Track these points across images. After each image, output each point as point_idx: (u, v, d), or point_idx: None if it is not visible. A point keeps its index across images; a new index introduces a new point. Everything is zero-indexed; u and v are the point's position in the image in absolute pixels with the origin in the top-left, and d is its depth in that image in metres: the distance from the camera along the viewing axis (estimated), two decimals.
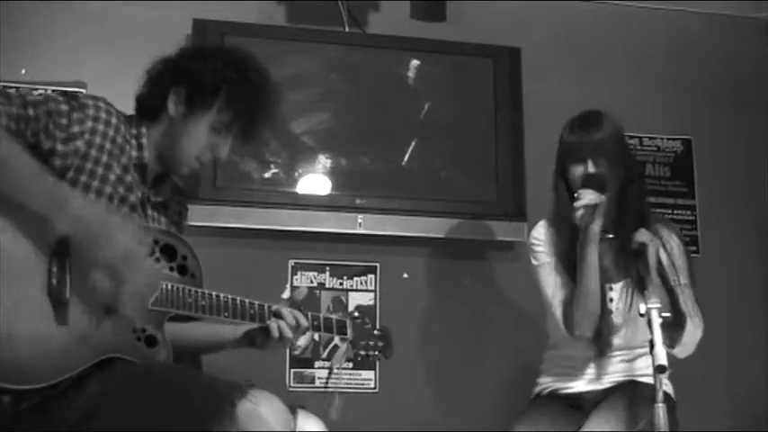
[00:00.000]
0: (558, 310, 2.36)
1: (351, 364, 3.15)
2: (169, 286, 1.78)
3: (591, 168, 2.31)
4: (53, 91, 1.81)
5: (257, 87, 1.92)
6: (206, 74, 1.88)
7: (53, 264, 1.65)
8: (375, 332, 2.11)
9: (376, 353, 2.09)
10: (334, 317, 2.05)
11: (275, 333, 1.90)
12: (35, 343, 1.61)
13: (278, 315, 1.91)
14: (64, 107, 1.74)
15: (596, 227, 2.27)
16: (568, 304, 2.34)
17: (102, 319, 1.69)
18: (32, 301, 1.62)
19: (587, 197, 2.25)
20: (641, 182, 2.48)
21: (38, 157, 1.68)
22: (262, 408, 1.62)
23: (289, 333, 1.91)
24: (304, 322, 1.94)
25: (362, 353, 2.08)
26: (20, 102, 1.70)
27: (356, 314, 2.12)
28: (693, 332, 2.31)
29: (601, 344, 2.34)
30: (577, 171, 2.34)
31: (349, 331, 2.05)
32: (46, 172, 1.66)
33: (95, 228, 1.64)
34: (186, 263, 1.83)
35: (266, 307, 1.92)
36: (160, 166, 1.94)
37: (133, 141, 1.87)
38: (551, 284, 2.40)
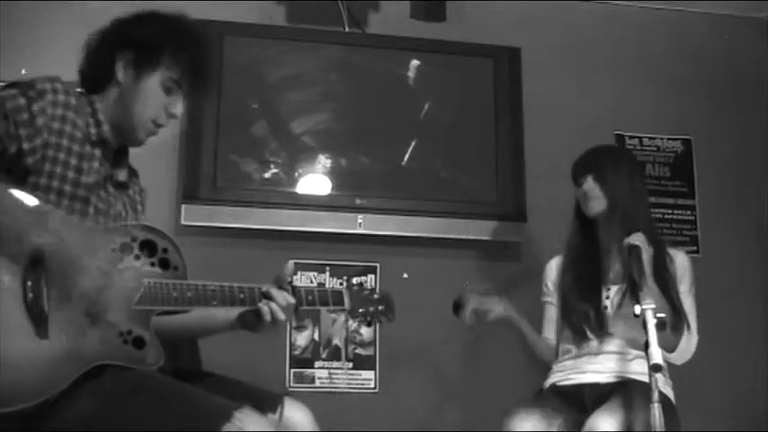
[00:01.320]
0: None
1: (351, 364, 3.15)
2: (152, 283, 1.75)
3: (588, 185, 2.55)
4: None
5: (196, 41, 1.93)
6: (149, 34, 1.87)
7: (28, 278, 1.62)
8: (374, 296, 2.07)
9: (377, 316, 2.06)
10: (329, 289, 2.02)
11: (267, 316, 1.87)
12: (18, 361, 1.57)
13: (268, 296, 1.88)
14: (22, 101, 1.70)
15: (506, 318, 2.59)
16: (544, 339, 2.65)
17: (85, 328, 1.66)
18: (11, 318, 1.59)
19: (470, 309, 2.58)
20: (645, 204, 2.65)
21: (6, 162, 1.67)
22: (247, 430, 1.59)
23: (281, 315, 1.87)
24: (293, 300, 1.91)
25: (362, 319, 2.05)
26: None
27: (354, 282, 2.08)
28: (690, 339, 2.44)
29: (596, 331, 2.50)
30: (579, 192, 2.59)
31: (346, 300, 2.01)
32: (24, 193, 1.63)
33: (67, 256, 1.63)
34: (168, 256, 1.78)
35: (256, 290, 1.88)
36: (117, 138, 1.90)
37: (90, 119, 1.83)
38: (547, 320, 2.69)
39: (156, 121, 1.89)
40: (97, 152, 1.83)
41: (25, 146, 1.69)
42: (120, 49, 1.87)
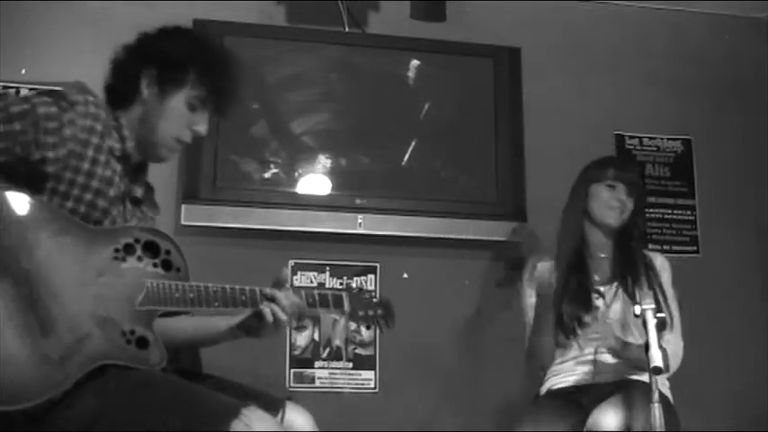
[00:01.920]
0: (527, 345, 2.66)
1: (351, 364, 3.15)
2: (155, 284, 1.76)
3: (621, 194, 2.55)
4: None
5: (223, 60, 1.94)
6: (174, 51, 1.88)
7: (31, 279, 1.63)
8: (374, 301, 2.07)
9: (376, 320, 2.06)
10: (329, 291, 2.01)
11: (269, 317, 1.87)
12: (22, 360, 1.59)
13: (270, 298, 1.89)
14: (53, 109, 1.71)
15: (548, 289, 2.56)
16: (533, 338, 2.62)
17: (87, 329, 1.67)
18: (15, 317, 1.60)
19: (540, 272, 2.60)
20: (644, 213, 2.76)
21: (27, 166, 1.68)
22: (254, 429, 1.60)
23: (282, 316, 1.88)
24: (297, 300, 1.92)
25: (362, 323, 2.05)
26: (4, 116, 1.65)
27: (354, 287, 2.09)
28: (677, 345, 2.45)
29: (589, 334, 2.50)
30: (604, 194, 2.56)
31: (346, 303, 2.01)
32: (13, 214, 1.63)
33: (76, 248, 1.66)
34: (170, 257, 1.80)
35: (258, 291, 1.89)
36: (139, 154, 1.91)
37: (114, 133, 1.84)
38: (531, 320, 2.66)
39: (179, 139, 1.91)
40: (119, 167, 1.85)
41: (50, 154, 1.70)
42: (145, 65, 1.87)
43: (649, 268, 2.47)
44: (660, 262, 2.57)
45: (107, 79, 1.91)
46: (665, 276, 2.54)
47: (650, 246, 3.25)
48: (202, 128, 1.92)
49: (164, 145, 1.90)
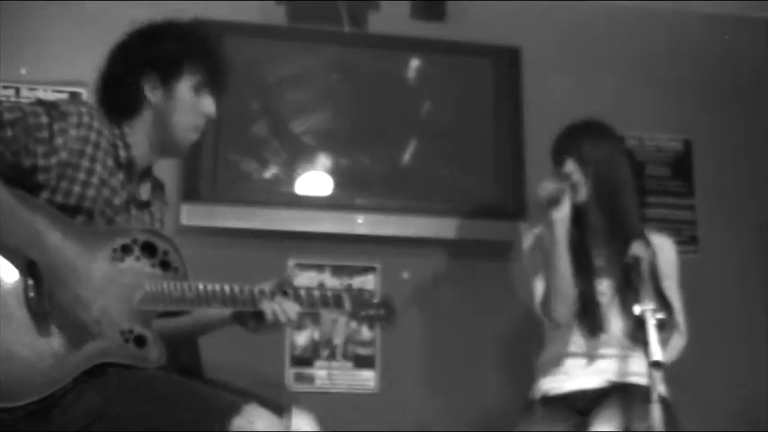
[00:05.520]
0: (538, 299, 2.43)
1: (351, 364, 3.15)
2: (153, 284, 1.78)
3: (569, 167, 2.40)
4: (53, 91, 1.80)
5: (206, 40, 1.97)
6: (167, 48, 1.90)
7: (29, 278, 1.65)
8: (375, 301, 2.08)
9: (378, 320, 2.06)
10: (329, 291, 2.03)
11: (270, 317, 1.90)
12: (20, 357, 1.60)
13: (270, 298, 1.91)
14: (44, 119, 1.72)
15: (561, 212, 2.35)
16: (546, 291, 2.41)
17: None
18: (16, 316, 1.62)
19: (546, 188, 2.37)
20: (630, 187, 2.50)
21: (19, 174, 1.69)
22: (257, 426, 1.61)
23: (282, 318, 1.90)
24: (296, 306, 1.94)
25: (363, 322, 2.06)
26: None
27: (354, 287, 2.10)
28: (679, 338, 2.38)
29: (591, 326, 2.38)
30: (559, 171, 2.43)
31: (346, 303, 2.02)
32: (22, 207, 1.65)
33: (63, 270, 1.66)
34: (168, 258, 1.82)
35: (256, 291, 1.91)
36: (158, 155, 1.94)
37: (119, 142, 1.86)
38: (536, 279, 2.47)
39: (196, 127, 1.94)
40: (121, 174, 1.85)
41: (40, 162, 1.71)
42: (143, 73, 1.89)
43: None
44: (668, 250, 2.47)
45: (104, 96, 1.92)
46: (670, 267, 2.44)
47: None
48: (212, 109, 1.95)
49: (183, 138, 1.93)
